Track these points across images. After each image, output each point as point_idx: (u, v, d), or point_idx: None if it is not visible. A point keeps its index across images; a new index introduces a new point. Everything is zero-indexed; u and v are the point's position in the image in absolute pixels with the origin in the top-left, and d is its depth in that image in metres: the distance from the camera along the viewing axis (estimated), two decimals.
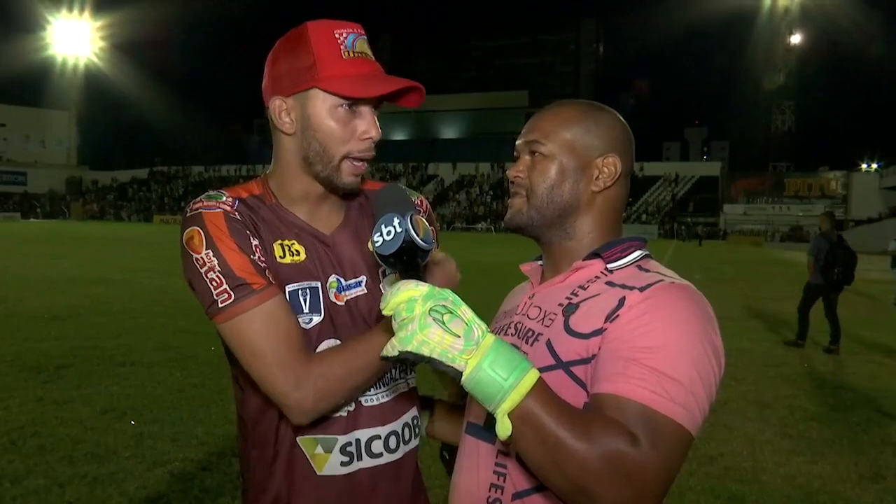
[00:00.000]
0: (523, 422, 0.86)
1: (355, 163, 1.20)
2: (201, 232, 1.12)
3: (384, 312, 0.91)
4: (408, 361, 0.88)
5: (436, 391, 1.51)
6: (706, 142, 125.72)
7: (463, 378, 0.87)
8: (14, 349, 6.82)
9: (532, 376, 0.88)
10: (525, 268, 1.27)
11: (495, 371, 0.86)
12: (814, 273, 8.75)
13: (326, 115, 1.17)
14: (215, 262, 1.10)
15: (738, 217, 53.87)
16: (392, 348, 0.87)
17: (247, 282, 1.10)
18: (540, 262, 1.25)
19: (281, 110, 1.19)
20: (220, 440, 4.38)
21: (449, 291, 0.91)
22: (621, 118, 1.19)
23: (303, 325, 1.18)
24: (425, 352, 0.86)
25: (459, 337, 0.86)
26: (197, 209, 1.15)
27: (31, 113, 78.68)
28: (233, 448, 4.24)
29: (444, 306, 0.88)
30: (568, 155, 1.13)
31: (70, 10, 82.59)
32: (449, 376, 0.90)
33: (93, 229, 42.02)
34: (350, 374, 1.12)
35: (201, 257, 1.11)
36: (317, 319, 1.20)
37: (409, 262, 0.99)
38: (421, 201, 1.42)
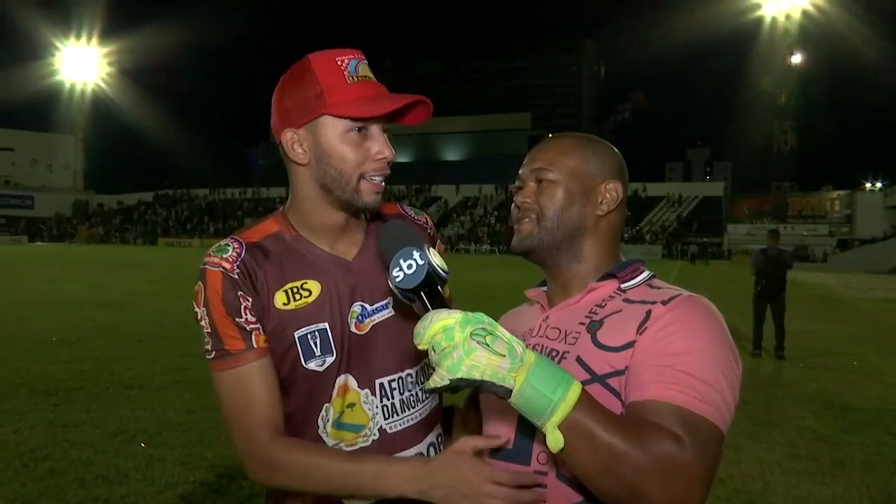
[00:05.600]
0: (574, 433, 0.91)
1: (373, 180, 1.23)
2: (202, 289, 1.20)
3: (420, 347, 0.93)
4: (458, 389, 0.90)
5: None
6: (709, 162, 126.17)
7: (512, 396, 0.90)
8: (23, 372, 6.86)
9: (577, 388, 0.92)
10: (531, 293, 1.31)
11: (542, 386, 0.90)
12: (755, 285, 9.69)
13: (338, 140, 1.19)
14: (207, 320, 1.19)
15: (742, 237, 53.75)
16: (441, 378, 0.90)
17: (224, 347, 1.18)
18: (544, 288, 1.29)
19: (293, 142, 1.21)
20: (230, 462, 4.39)
21: (483, 314, 0.94)
22: (615, 149, 1.26)
23: (316, 368, 1.22)
24: (476, 375, 0.89)
25: (505, 356, 0.89)
26: (205, 264, 1.21)
27: (38, 138, 79.39)
28: (242, 470, 4.24)
29: (483, 329, 0.91)
30: (573, 180, 1.19)
31: (78, 37, 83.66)
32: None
33: (98, 252, 42.20)
34: (300, 474, 1.15)
35: (199, 312, 1.21)
36: (330, 360, 1.23)
37: (431, 292, 1.02)
38: (426, 220, 1.46)
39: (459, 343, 0.89)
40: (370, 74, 1.22)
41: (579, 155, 1.20)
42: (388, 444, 1.25)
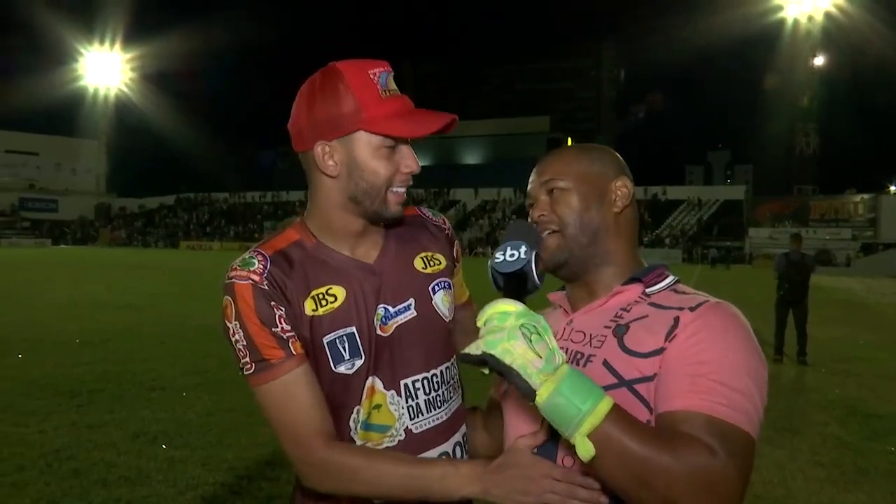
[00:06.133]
0: (604, 444, 0.93)
1: (398, 191, 1.26)
2: (232, 303, 1.19)
3: (478, 324, 0.99)
4: (486, 365, 0.95)
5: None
6: (730, 165, 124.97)
7: (540, 401, 0.94)
8: (48, 373, 6.97)
9: (608, 402, 0.95)
10: (553, 297, 1.32)
11: (573, 397, 0.94)
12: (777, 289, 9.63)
13: (371, 155, 1.21)
14: (241, 333, 1.19)
15: (763, 241, 53.07)
16: (476, 348, 0.95)
17: (264, 357, 1.18)
18: (565, 292, 1.29)
19: (325, 154, 1.22)
20: (250, 464, 4.43)
21: (542, 318, 0.99)
22: (614, 151, 1.28)
23: (346, 371, 1.24)
24: (507, 360, 0.93)
25: (541, 358, 0.93)
26: (231, 279, 1.21)
27: (63, 142, 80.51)
28: (262, 472, 4.29)
29: (534, 327, 0.96)
30: (584, 184, 1.20)
31: (102, 42, 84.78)
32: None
33: (121, 255, 42.74)
34: (360, 478, 1.16)
35: (231, 327, 1.20)
36: (359, 363, 1.24)
37: (516, 287, 1.08)
38: (443, 221, 1.47)
39: (507, 327, 0.95)
40: (396, 87, 1.24)
41: (583, 160, 1.22)
42: (413, 445, 1.26)
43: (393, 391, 1.27)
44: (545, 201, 1.22)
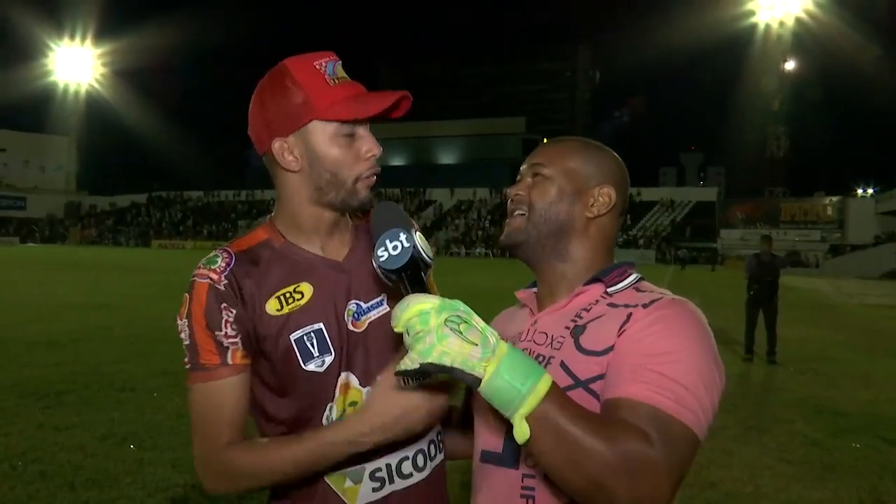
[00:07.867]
0: (541, 424, 0.90)
1: (366, 179, 1.25)
2: (188, 301, 1.21)
3: (396, 329, 0.93)
4: (427, 374, 0.90)
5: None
6: (702, 167, 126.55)
7: (481, 388, 0.90)
8: (14, 375, 6.82)
9: (547, 381, 0.91)
10: (521, 294, 1.31)
11: (512, 377, 0.89)
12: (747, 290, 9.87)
13: (329, 143, 1.21)
14: (187, 332, 1.21)
15: (735, 242, 53.91)
16: (412, 361, 0.89)
17: (200, 361, 1.19)
18: (534, 290, 1.29)
19: (283, 151, 1.22)
20: None
21: (459, 302, 0.94)
22: (619, 158, 1.26)
23: (316, 369, 1.22)
24: (447, 362, 0.88)
25: (477, 345, 0.88)
26: (194, 276, 1.22)
27: (31, 138, 79.01)
28: None
29: (458, 316, 0.90)
30: (567, 180, 1.20)
31: (72, 37, 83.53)
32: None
33: (91, 254, 42.02)
34: (257, 473, 1.17)
35: (180, 324, 1.22)
36: (329, 359, 1.23)
37: (413, 276, 1.03)
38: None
39: (433, 328, 0.89)
40: (346, 75, 1.24)
41: (578, 157, 1.21)
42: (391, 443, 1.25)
43: (369, 388, 1.25)
44: (527, 182, 1.23)
